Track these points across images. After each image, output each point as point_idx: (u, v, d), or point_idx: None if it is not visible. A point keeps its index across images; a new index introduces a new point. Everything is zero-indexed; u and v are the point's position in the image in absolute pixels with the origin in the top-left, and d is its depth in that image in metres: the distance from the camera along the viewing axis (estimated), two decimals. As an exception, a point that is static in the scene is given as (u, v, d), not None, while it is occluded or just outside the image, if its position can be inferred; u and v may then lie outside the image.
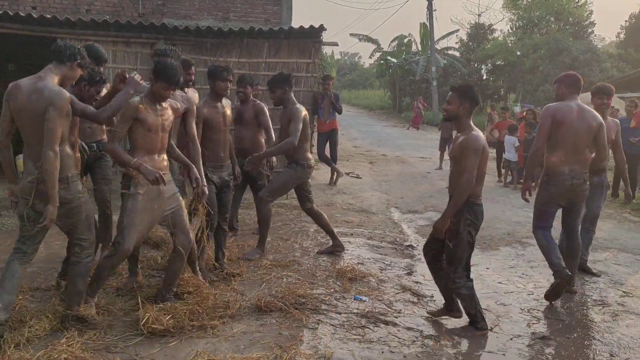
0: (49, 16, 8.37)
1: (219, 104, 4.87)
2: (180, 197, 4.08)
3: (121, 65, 8.71)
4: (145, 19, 10.60)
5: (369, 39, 34.01)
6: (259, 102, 5.73)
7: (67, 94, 3.44)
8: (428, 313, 4.29)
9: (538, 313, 4.43)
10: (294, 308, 4.11)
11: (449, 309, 4.20)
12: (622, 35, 33.57)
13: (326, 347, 3.59)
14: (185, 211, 4.08)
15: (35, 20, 8.22)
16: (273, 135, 5.60)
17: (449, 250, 3.97)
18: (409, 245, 6.27)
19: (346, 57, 71.85)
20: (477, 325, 4.02)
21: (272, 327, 3.84)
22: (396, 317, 4.16)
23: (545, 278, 5.25)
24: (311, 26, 9.10)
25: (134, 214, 3.69)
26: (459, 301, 4.11)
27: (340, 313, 4.15)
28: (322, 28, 9.14)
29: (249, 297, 4.30)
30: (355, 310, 4.21)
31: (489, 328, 4.05)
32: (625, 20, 34.68)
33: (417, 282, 5.02)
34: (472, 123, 3.96)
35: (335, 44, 11.00)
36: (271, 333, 3.74)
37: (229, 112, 4.96)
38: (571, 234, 4.92)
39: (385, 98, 40.22)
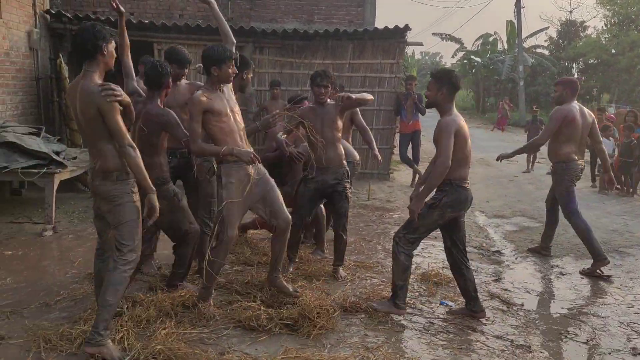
0: (146, 21, 8.85)
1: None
2: (271, 179, 4.10)
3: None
4: (234, 22, 10.94)
5: (452, 38, 33.29)
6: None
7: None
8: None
9: (639, 327, 4.16)
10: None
11: (472, 310, 4.14)
12: None
13: (413, 351, 3.56)
14: (279, 191, 4.09)
15: (134, 26, 8.72)
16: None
17: (414, 217, 3.97)
18: (496, 251, 6.08)
19: (427, 57, 70.66)
20: (397, 301, 4.02)
21: (357, 327, 3.85)
22: (484, 325, 4.04)
23: (627, 285, 4.93)
24: (396, 26, 9.05)
25: (231, 203, 3.79)
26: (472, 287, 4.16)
27: (426, 317, 4.10)
28: (407, 28, 9.07)
29: (334, 297, 4.33)
30: (441, 316, 4.14)
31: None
32: None
33: (505, 290, 4.85)
34: (453, 108, 3.96)
35: (420, 44, 10.83)
36: (357, 334, 3.75)
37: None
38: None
39: (468, 98, 39.22)
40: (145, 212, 3.26)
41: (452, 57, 35.88)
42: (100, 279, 3.47)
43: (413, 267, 5.23)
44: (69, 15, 8.57)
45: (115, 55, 3.30)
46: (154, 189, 3.25)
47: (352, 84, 9.50)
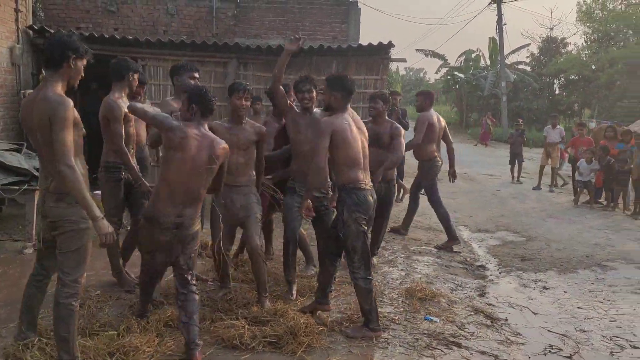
0: (130, 37, 8.83)
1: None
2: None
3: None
4: (218, 38, 10.97)
5: (435, 55, 33.63)
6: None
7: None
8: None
9: (622, 341, 4.18)
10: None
11: (319, 302, 4.17)
12: None
13: (397, 367, 3.54)
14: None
15: (117, 41, 8.69)
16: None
17: (342, 242, 3.95)
18: (480, 266, 6.10)
19: (411, 73, 71.29)
20: (370, 326, 3.93)
21: (342, 344, 3.82)
22: (468, 340, 4.04)
23: (629, 304, 4.97)
24: (380, 43, 9.12)
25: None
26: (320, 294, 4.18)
27: (410, 333, 4.08)
28: (390, 45, 9.13)
29: (318, 314, 4.29)
30: (425, 331, 4.13)
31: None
32: None
33: (489, 304, 4.86)
34: (345, 112, 3.97)
35: (404, 60, 10.95)
36: (341, 350, 3.72)
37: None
38: None
39: (451, 114, 39.55)
40: (99, 242, 2.95)
41: (436, 72, 36.27)
42: (29, 306, 3.37)
43: (397, 282, 5.25)
44: (52, 31, 8.52)
45: (82, 74, 3.06)
46: (98, 215, 2.89)
47: (336, 99, 9.53)
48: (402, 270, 5.68)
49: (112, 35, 8.87)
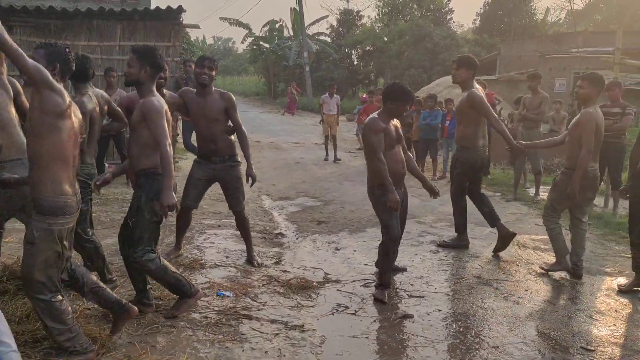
0: None
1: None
2: None
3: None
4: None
5: (239, 24, 33.41)
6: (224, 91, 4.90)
7: None
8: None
9: (401, 292, 4.48)
10: (151, 313, 3.78)
11: (142, 302, 3.79)
12: (477, 22, 36.07)
13: (182, 352, 3.32)
14: None
15: None
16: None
17: (128, 230, 3.62)
18: (278, 234, 6.13)
19: (219, 43, 70.19)
20: (186, 292, 3.75)
21: (122, 335, 3.48)
22: (260, 310, 3.98)
23: (408, 257, 5.36)
24: (168, 7, 8.59)
25: None
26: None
27: (200, 312, 3.89)
28: (180, 9, 8.68)
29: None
30: (216, 307, 3.97)
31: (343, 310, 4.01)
32: (480, 8, 37.37)
33: (284, 271, 4.88)
34: (154, 90, 3.61)
35: (197, 27, 10.44)
36: (120, 341, 3.38)
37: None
38: None
39: (260, 84, 39.92)
40: None
41: (242, 42, 36.15)
42: None
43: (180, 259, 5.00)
44: None
45: None
46: None
47: (124, 66, 8.79)
48: (196, 247, 5.44)
49: None
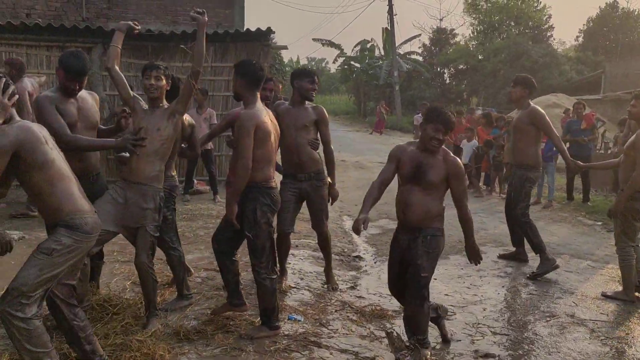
0: (-26, 19, 7.85)
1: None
2: None
3: (54, 71, 8.21)
4: (90, 23, 10.10)
5: (331, 44, 33.84)
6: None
7: None
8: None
9: (483, 328, 4.16)
10: (220, 332, 3.75)
11: (233, 304, 3.95)
12: (580, 39, 34.21)
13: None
14: None
15: (-40, 24, 7.70)
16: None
17: (250, 242, 3.74)
18: (356, 256, 5.97)
19: (313, 63, 71.65)
20: (270, 324, 3.78)
21: (194, 353, 3.46)
22: (330, 338, 3.83)
23: (493, 289, 5.01)
24: (258, 29, 8.79)
25: None
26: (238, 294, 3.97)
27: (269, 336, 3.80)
28: (270, 31, 8.84)
29: (169, 322, 3.90)
30: (286, 332, 3.87)
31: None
32: (584, 24, 35.42)
33: (359, 297, 4.70)
34: (257, 101, 3.71)
35: (285, 48, 10.65)
36: (194, 358, 3.37)
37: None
38: None
39: (350, 103, 40.13)
40: None
41: (334, 62, 36.56)
42: None
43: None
44: None
45: None
46: None
47: (216, 88, 9.10)
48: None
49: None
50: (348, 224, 7.61)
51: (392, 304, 4.58)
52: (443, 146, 3.55)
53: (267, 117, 3.74)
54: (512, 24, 33.02)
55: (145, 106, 3.77)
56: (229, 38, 8.86)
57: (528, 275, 5.38)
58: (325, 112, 4.75)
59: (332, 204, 4.78)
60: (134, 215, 3.57)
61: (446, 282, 5.17)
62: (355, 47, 34.74)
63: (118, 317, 3.77)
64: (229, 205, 3.70)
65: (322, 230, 4.84)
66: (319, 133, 4.70)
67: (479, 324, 4.23)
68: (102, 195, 3.61)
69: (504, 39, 31.25)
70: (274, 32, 9.00)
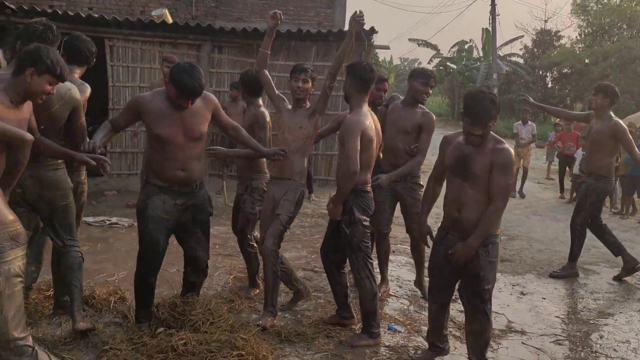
0: (96, 16, 8.35)
1: None
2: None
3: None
4: (198, 21, 10.49)
5: (427, 44, 33.20)
6: None
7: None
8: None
9: (601, 357, 3.83)
10: (321, 337, 3.71)
11: (342, 316, 3.90)
12: None
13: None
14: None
15: (84, 20, 8.21)
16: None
17: (347, 239, 3.66)
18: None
19: (405, 63, 70.77)
20: (372, 330, 3.66)
21: (295, 358, 3.44)
22: (443, 357, 3.66)
23: (610, 313, 4.62)
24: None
25: None
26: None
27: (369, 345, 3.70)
28: (372, 31, 8.73)
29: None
30: (387, 343, 3.76)
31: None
32: None
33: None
34: (364, 105, 3.66)
35: (387, 48, 10.46)
36: (289, 363, 3.35)
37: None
38: None
39: (443, 105, 39.21)
40: None
41: (429, 63, 35.81)
42: None
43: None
44: (13, 7, 8.02)
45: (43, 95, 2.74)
46: None
47: (317, 86, 9.10)
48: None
49: (77, 13, 8.38)
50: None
51: (497, 321, 4.34)
52: (495, 135, 3.16)
53: (372, 123, 3.68)
54: (624, 26, 30.75)
55: (289, 105, 3.97)
56: (332, 37, 8.84)
57: (550, 274, 5.56)
58: (434, 120, 4.54)
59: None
60: (274, 206, 3.81)
61: (557, 303, 4.84)
62: (452, 47, 33.88)
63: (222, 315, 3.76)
64: (335, 206, 3.65)
65: (417, 235, 4.68)
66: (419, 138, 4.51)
67: (595, 352, 3.90)
68: (203, 204, 3.55)
69: (614, 43, 29.17)
70: (376, 32, 8.88)
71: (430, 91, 4.51)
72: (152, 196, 3.36)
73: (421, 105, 4.53)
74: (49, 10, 8.18)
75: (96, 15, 8.39)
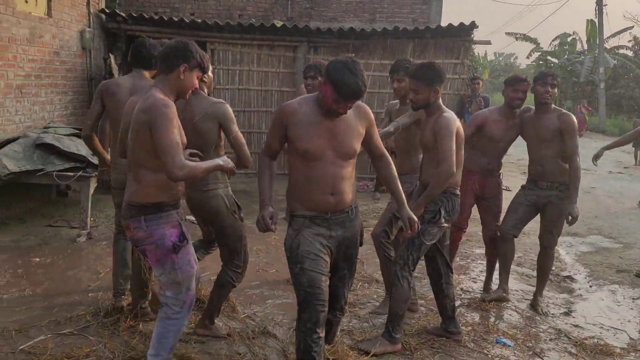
0: (199, 21, 8.64)
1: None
2: None
3: (265, 68, 8.74)
4: (294, 22, 10.61)
5: (527, 38, 31.57)
6: None
7: None
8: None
9: None
10: (426, 347, 3.57)
11: (447, 330, 3.74)
12: None
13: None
14: None
15: (187, 25, 8.53)
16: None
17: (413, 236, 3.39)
18: (567, 277, 5.34)
19: (501, 58, 67.96)
20: (393, 335, 3.49)
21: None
22: (547, 374, 3.41)
23: None
24: (461, 24, 8.39)
25: None
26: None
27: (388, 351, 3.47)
28: (473, 25, 8.39)
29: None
30: (496, 358, 3.53)
31: None
32: None
33: (576, 326, 4.16)
34: (441, 104, 3.54)
35: (489, 43, 9.98)
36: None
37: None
38: None
39: (543, 101, 37.22)
40: None
41: (527, 57, 34.11)
42: None
43: (468, 293, 4.65)
44: (123, 15, 8.49)
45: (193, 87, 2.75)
46: None
47: (380, 84, 8.88)
48: (474, 278, 5.07)
49: (181, 19, 8.72)
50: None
51: (618, 338, 3.98)
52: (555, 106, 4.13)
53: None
54: None
55: (397, 106, 4.16)
56: (430, 34, 8.59)
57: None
58: (574, 119, 4.20)
59: (570, 225, 4.25)
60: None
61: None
62: (553, 41, 32.01)
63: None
64: (418, 207, 3.46)
65: (547, 245, 4.40)
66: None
67: None
68: (355, 236, 3.07)
69: None
70: (477, 27, 8.52)
71: (552, 89, 4.23)
72: (302, 230, 2.81)
73: (554, 106, 4.29)
74: (156, 17, 8.56)
75: (199, 20, 8.68)
